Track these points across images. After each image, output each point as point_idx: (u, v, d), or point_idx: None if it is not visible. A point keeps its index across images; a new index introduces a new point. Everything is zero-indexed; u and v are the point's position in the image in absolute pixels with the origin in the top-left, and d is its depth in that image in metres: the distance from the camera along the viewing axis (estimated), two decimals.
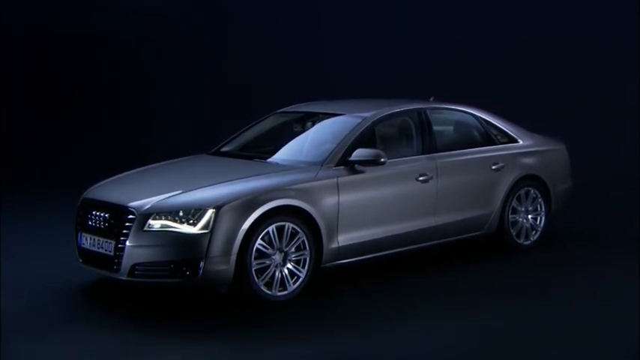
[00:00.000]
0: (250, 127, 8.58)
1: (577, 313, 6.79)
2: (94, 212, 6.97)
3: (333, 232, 7.13)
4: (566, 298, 7.20)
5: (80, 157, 14.09)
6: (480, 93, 13.04)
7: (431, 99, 9.16)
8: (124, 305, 6.95)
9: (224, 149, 8.31)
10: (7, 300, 7.00)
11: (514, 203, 8.55)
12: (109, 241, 6.74)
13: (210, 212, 6.53)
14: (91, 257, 6.97)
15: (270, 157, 7.74)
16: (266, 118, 8.67)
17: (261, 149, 8.12)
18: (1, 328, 6.38)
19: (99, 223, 6.88)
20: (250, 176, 7.06)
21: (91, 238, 6.93)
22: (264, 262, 6.75)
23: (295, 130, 8.20)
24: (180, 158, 8.20)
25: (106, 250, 6.77)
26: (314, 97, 12.15)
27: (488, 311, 6.82)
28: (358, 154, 7.34)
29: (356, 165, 7.35)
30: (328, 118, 8.12)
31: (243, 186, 6.85)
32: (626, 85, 13.00)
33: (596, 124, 13.02)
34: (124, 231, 6.64)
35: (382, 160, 7.33)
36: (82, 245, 7.05)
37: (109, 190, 7.23)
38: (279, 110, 8.68)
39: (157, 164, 8.00)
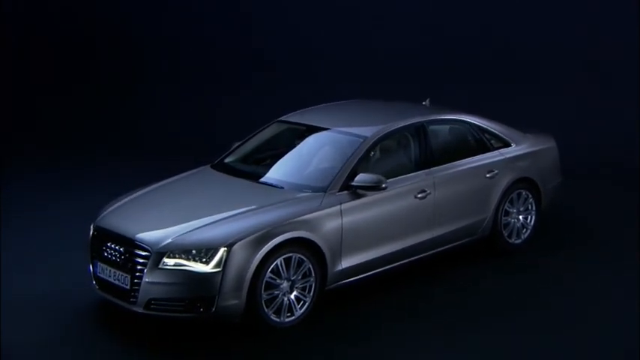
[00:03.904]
0: (252, 137, 8.78)
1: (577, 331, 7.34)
2: (108, 244, 7.27)
3: (336, 256, 7.49)
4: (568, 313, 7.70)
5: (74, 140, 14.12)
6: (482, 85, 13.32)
7: (427, 101, 9.39)
8: (131, 330, 7.26)
9: (227, 160, 8.54)
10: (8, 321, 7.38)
11: (506, 206, 8.90)
12: (125, 275, 7.07)
13: (221, 251, 6.86)
14: (107, 286, 7.31)
15: (273, 174, 7.98)
16: (267, 126, 8.86)
17: (263, 162, 8.36)
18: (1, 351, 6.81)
19: (114, 256, 7.19)
20: (257, 207, 7.34)
21: (107, 269, 7.25)
22: (272, 293, 7.12)
23: (297, 144, 8.39)
24: (186, 174, 8.37)
25: (122, 283, 7.11)
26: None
27: (497, 328, 7.35)
28: (360, 179, 7.61)
29: (358, 189, 7.65)
30: (329, 133, 8.30)
31: (252, 221, 7.13)
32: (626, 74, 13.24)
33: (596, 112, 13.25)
34: (139, 267, 6.98)
35: (383, 185, 7.62)
36: (98, 274, 7.37)
37: (122, 219, 7.48)
38: (280, 119, 8.86)
39: (163, 183, 8.17)
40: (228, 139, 9.22)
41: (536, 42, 13.73)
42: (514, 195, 8.96)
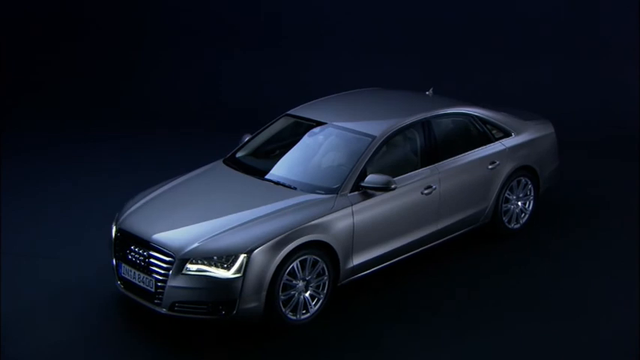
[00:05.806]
0: (262, 131, 9.06)
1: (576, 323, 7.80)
2: (132, 247, 7.62)
3: (348, 254, 7.87)
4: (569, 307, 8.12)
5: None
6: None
7: (430, 90, 9.66)
8: (150, 328, 7.66)
9: (239, 155, 8.84)
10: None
11: (506, 193, 9.28)
12: (150, 278, 7.44)
13: (242, 257, 7.23)
14: (132, 286, 7.68)
15: (285, 173, 8.29)
16: (276, 120, 9.13)
17: (274, 158, 8.65)
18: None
19: (138, 260, 7.55)
20: (273, 211, 7.68)
21: (131, 272, 7.61)
22: (289, 293, 7.52)
23: (306, 141, 8.67)
24: (201, 170, 8.64)
25: (147, 286, 7.49)
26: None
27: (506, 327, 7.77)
28: (370, 180, 7.94)
29: (367, 190, 7.99)
30: (337, 130, 8.58)
31: (270, 226, 7.47)
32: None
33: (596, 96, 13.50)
34: (163, 271, 7.36)
35: (393, 186, 7.96)
36: (122, 274, 7.74)
37: (144, 223, 7.78)
38: (289, 112, 9.11)
39: (180, 180, 8.44)
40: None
41: (534, 14, 13.95)
42: (514, 183, 9.33)
